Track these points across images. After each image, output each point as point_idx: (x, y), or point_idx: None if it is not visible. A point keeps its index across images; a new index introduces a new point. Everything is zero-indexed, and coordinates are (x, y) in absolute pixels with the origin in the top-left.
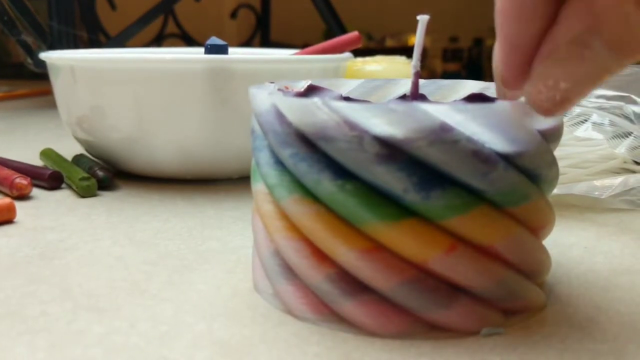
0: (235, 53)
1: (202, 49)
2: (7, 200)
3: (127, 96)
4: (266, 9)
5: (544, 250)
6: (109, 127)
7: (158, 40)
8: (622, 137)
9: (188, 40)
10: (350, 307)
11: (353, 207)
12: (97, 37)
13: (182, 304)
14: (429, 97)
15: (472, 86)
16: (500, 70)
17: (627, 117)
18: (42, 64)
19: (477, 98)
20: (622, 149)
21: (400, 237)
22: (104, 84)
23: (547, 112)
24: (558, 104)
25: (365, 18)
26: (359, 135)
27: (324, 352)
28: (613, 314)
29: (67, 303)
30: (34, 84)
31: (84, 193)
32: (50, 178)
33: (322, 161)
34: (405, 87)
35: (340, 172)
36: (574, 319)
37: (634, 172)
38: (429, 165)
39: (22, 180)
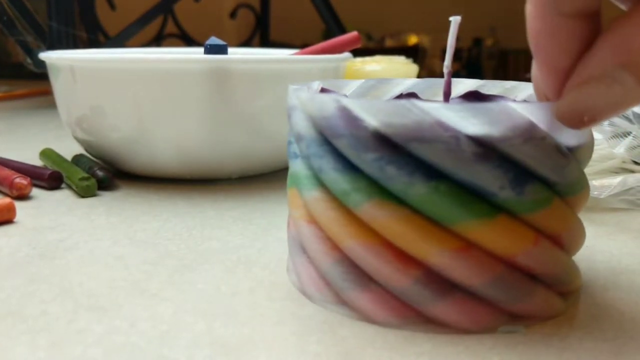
0: (235, 53)
1: (202, 49)
2: (7, 200)
3: (127, 96)
4: (265, 8)
5: (585, 233)
6: (108, 127)
7: (157, 40)
8: (621, 136)
9: (187, 40)
10: (441, 307)
11: (447, 207)
12: (96, 37)
13: (182, 303)
14: (421, 95)
15: (467, 84)
16: (541, 89)
17: (626, 117)
18: (41, 64)
19: (473, 96)
20: (621, 148)
21: (493, 234)
22: (103, 84)
23: (573, 127)
24: (585, 123)
25: (364, 18)
26: (455, 135)
27: (323, 352)
28: (612, 313)
29: (67, 302)
30: (34, 84)
31: (84, 193)
32: (50, 178)
33: (411, 163)
34: (400, 86)
35: (431, 173)
36: (573, 318)
37: (633, 171)
38: (519, 162)
39: (22, 180)
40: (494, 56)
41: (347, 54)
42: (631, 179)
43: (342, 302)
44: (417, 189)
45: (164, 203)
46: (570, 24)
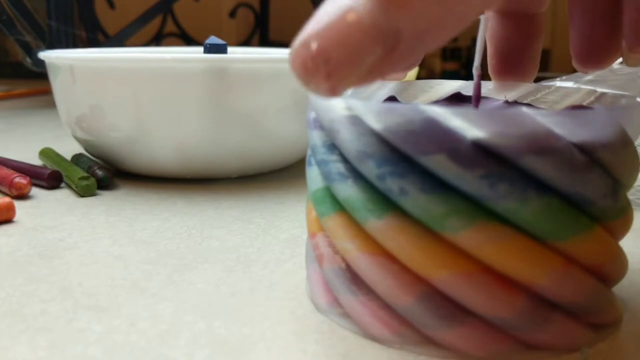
0: (235, 52)
1: (201, 48)
2: (7, 199)
3: (127, 95)
4: (265, 8)
5: None
6: (108, 127)
7: (157, 40)
8: None
9: (187, 40)
10: (547, 332)
11: (560, 223)
12: (95, 37)
13: (181, 302)
14: (399, 98)
15: (450, 86)
16: (581, 51)
17: None
18: (40, 63)
19: (456, 98)
20: None
21: (593, 246)
22: (103, 83)
23: None
24: None
25: None
26: (567, 145)
27: (322, 351)
28: None
29: (67, 302)
30: (33, 83)
31: (84, 192)
32: (49, 177)
33: (522, 177)
34: (383, 90)
35: (542, 186)
36: None
37: None
38: (614, 169)
39: (21, 180)
40: None
41: None
42: None
43: (427, 341)
44: (532, 205)
45: (164, 202)
46: None
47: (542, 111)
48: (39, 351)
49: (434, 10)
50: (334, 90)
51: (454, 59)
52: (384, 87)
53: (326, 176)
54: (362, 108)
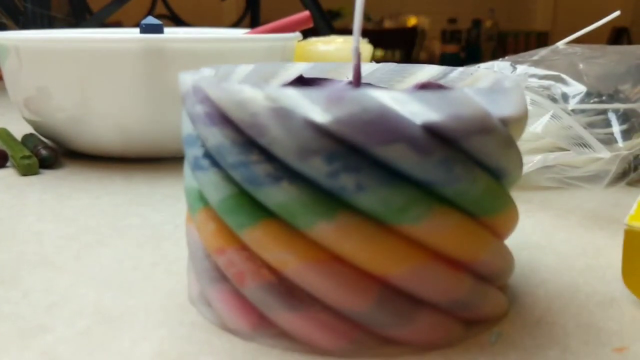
0: (189, 33)
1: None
2: None
3: (70, 76)
4: None
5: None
6: (54, 108)
7: None
8: (541, 116)
9: (177, 22)
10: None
11: (492, 198)
12: (85, 19)
13: (81, 276)
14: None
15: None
16: None
17: (552, 97)
18: None
19: (299, 81)
20: (538, 127)
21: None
22: (47, 64)
23: None
24: None
25: None
26: (498, 124)
27: (200, 321)
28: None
29: None
30: None
31: (25, 171)
32: None
33: (469, 159)
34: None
35: (482, 166)
36: None
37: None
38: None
39: None
40: (493, 38)
41: (295, 34)
42: (552, 157)
43: (384, 342)
44: (480, 185)
45: (102, 181)
46: None
47: (477, 90)
48: None
49: None
50: None
51: (454, 41)
52: (285, 69)
53: (246, 180)
54: (299, 98)
